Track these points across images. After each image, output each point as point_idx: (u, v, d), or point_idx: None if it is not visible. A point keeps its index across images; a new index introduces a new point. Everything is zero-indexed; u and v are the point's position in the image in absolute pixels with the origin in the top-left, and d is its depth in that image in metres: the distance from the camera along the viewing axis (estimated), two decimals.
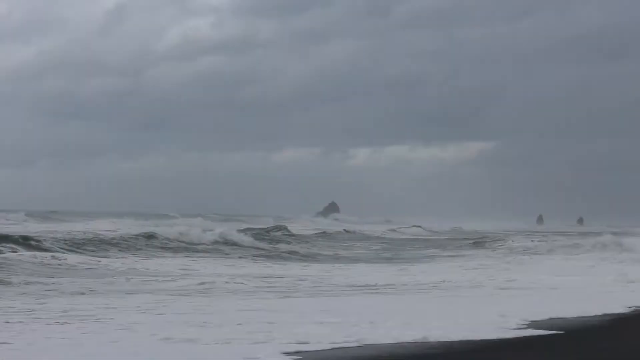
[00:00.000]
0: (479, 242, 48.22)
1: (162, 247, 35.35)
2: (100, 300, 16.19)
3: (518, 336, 11.63)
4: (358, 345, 10.34)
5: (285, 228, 44.79)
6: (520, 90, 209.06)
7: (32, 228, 47.27)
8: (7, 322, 12.59)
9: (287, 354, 9.47)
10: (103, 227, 48.67)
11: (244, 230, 43.17)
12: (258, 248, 38.06)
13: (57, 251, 29.58)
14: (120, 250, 32.52)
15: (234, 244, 38.37)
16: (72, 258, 27.40)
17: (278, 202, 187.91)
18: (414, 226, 68.00)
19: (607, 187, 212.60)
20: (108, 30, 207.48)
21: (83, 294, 17.67)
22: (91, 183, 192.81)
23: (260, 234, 42.27)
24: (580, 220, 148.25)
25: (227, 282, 20.90)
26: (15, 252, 27.92)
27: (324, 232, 50.69)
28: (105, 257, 29.37)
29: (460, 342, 10.87)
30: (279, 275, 24.12)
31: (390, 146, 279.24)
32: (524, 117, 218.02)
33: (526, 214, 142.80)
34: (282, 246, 40.12)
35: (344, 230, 56.48)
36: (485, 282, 22.26)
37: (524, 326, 12.64)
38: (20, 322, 12.58)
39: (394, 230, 61.26)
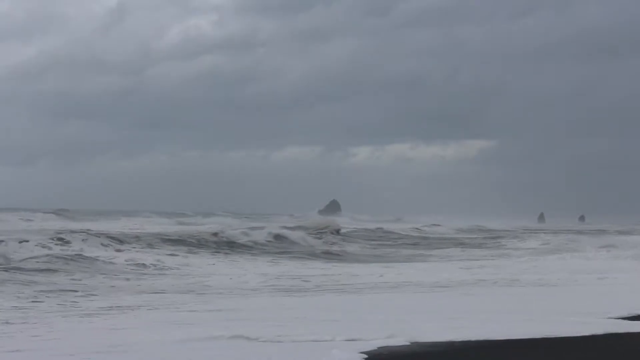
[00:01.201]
0: (508, 240, 50.16)
1: (237, 247, 36.36)
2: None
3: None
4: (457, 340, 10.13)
5: (338, 228, 45.74)
6: (521, 88, 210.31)
7: (89, 226, 48.20)
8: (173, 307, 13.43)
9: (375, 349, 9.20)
10: (153, 226, 49.72)
11: (300, 230, 44.13)
12: (323, 248, 38.70)
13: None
14: (200, 250, 33.44)
15: (292, 243, 39.16)
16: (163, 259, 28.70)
17: (279, 200, 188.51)
18: (435, 225, 69.07)
19: (608, 185, 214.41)
20: (109, 28, 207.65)
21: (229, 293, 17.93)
22: (92, 181, 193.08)
23: (320, 235, 43.30)
24: (582, 218, 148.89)
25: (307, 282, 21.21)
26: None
27: (375, 232, 51.73)
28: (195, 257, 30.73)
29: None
30: (387, 273, 24.26)
31: (391, 144, 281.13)
32: (525, 116, 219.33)
33: (527, 211, 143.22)
34: (351, 247, 40.98)
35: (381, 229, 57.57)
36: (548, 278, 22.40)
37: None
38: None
39: (421, 230, 62.47)
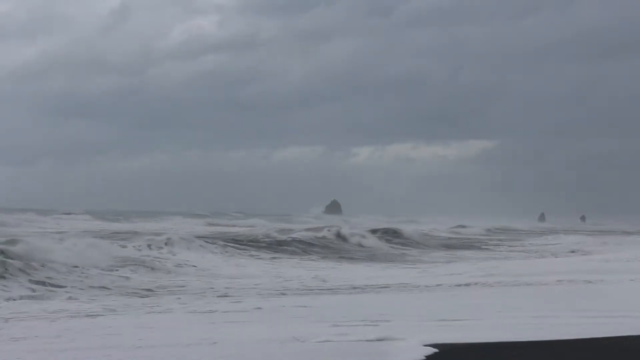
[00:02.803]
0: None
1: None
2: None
3: None
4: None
5: (398, 231, 46.79)
6: (522, 88, 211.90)
7: (142, 227, 48.81)
8: None
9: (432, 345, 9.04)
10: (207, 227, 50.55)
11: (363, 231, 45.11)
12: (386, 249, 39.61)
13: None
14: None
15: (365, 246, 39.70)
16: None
17: (280, 200, 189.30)
18: (462, 226, 70.04)
19: (609, 185, 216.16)
20: (112, 29, 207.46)
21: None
22: (93, 181, 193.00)
23: (382, 236, 44.33)
24: (583, 218, 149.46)
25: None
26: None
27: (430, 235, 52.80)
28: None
29: None
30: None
31: (392, 144, 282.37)
32: (526, 116, 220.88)
33: (527, 211, 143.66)
34: (412, 249, 41.36)
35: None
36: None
37: None
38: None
39: (453, 231, 63.88)
